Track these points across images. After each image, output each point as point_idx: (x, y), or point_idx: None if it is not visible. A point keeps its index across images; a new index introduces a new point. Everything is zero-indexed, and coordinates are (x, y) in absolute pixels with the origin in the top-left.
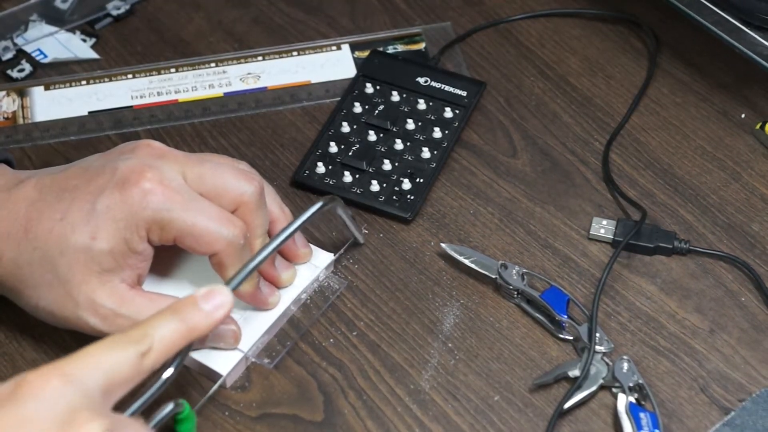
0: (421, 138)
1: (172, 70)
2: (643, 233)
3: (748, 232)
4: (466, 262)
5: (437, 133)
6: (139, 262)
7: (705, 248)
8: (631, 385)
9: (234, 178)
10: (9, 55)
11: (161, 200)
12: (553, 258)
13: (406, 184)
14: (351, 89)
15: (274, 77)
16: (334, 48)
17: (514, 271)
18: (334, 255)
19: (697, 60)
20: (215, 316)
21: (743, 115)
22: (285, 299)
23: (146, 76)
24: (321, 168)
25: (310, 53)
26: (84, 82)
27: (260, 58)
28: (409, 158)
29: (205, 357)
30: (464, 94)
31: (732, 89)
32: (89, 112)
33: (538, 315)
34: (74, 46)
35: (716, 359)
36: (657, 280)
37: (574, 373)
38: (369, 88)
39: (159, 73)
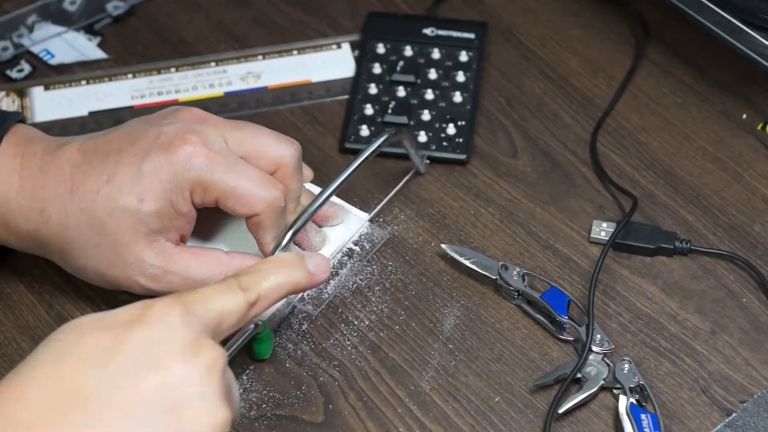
0: (447, 84)
1: (173, 69)
2: (643, 234)
3: (749, 233)
4: (467, 263)
5: (460, 76)
6: (183, 224)
7: (706, 248)
8: (632, 386)
9: (274, 141)
10: (8, 55)
11: (205, 162)
12: (553, 259)
13: (451, 129)
14: (363, 53)
15: (274, 76)
16: (334, 47)
17: (515, 272)
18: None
19: (699, 60)
20: (318, 278)
21: (744, 116)
22: (329, 249)
23: (146, 76)
24: (365, 131)
25: (310, 52)
26: (84, 82)
27: (260, 57)
28: (443, 105)
29: None
30: (472, 36)
31: (733, 90)
32: (89, 113)
33: (538, 316)
34: (81, 45)
35: (717, 360)
36: (658, 281)
37: (566, 371)
38: (380, 48)
39: (159, 73)
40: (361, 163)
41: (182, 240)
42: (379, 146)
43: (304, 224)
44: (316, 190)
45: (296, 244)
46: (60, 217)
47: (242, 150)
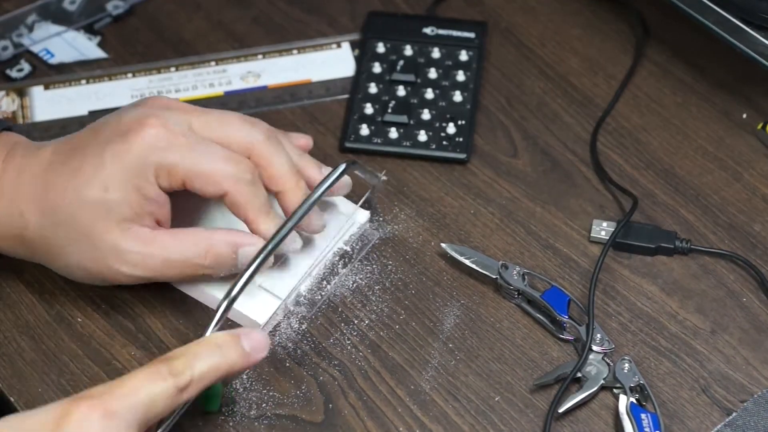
0: (446, 84)
1: (172, 69)
2: (644, 233)
3: (749, 233)
4: (467, 262)
5: (460, 76)
6: (156, 209)
7: (706, 247)
8: (632, 385)
9: (240, 124)
10: (8, 55)
11: (165, 144)
12: (553, 258)
13: (451, 128)
14: (363, 52)
15: (274, 76)
16: (334, 46)
17: (515, 272)
18: (369, 209)
19: (699, 60)
20: (254, 357)
21: (744, 116)
22: (321, 248)
23: (146, 75)
24: (365, 130)
25: (310, 52)
26: (84, 82)
27: (260, 56)
28: (443, 104)
29: (243, 305)
30: (472, 35)
31: (733, 89)
32: (89, 112)
33: (538, 315)
34: (81, 45)
35: (718, 360)
36: (658, 280)
37: (566, 371)
38: (380, 48)
39: (159, 73)
40: (314, 201)
41: (161, 225)
42: (332, 183)
43: (251, 276)
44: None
45: (297, 228)
46: (38, 219)
47: (209, 135)
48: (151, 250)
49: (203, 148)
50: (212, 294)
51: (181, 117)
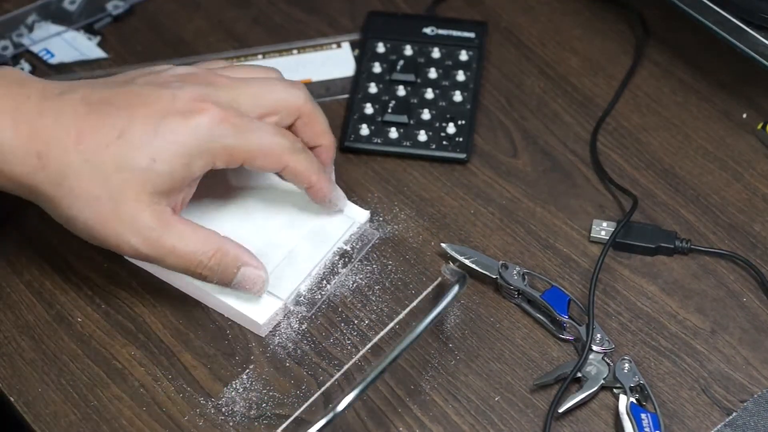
0: (446, 84)
1: None
2: (644, 233)
3: (749, 233)
4: (467, 262)
5: (460, 76)
6: (188, 191)
7: (706, 247)
8: (632, 385)
9: (283, 89)
10: (8, 55)
11: (226, 129)
12: (553, 258)
13: (451, 128)
14: (363, 52)
15: None
16: (334, 46)
17: (515, 272)
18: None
19: (699, 60)
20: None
21: (745, 115)
22: (323, 248)
23: None
24: (365, 130)
25: (310, 52)
26: None
27: (260, 56)
28: (443, 104)
29: (243, 305)
30: (472, 35)
31: (733, 89)
32: None
33: (538, 315)
34: (81, 45)
35: (718, 360)
36: (658, 280)
37: (566, 371)
38: (380, 48)
39: None
40: (428, 324)
41: (181, 207)
42: (447, 304)
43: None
44: None
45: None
46: (60, 165)
47: (258, 108)
48: (166, 233)
49: (256, 127)
50: (212, 294)
51: (230, 94)
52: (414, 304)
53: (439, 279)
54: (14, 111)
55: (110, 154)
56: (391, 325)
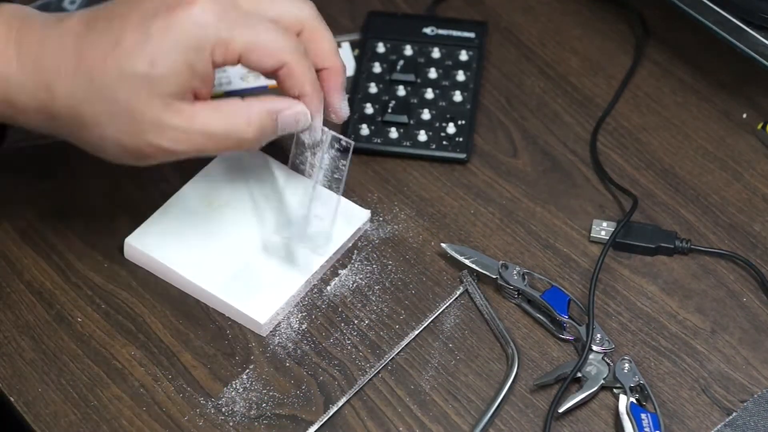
0: (446, 84)
1: None
2: (644, 233)
3: (749, 233)
4: (467, 262)
5: (460, 76)
6: (201, 85)
7: (706, 247)
8: (632, 385)
9: (290, 1)
10: None
11: (220, 18)
12: (553, 258)
13: (451, 128)
14: (363, 52)
15: None
16: None
17: (515, 272)
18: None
19: (699, 60)
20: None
21: (745, 115)
22: (323, 248)
23: None
24: (365, 130)
25: None
26: None
27: None
28: (443, 104)
29: (244, 305)
30: (472, 35)
31: (733, 89)
32: None
33: (538, 315)
34: None
35: (718, 360)
36: (658, 280)
37: (566, 371)
38: (380, 47)
39: None
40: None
41: (199, 98)
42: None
43: None
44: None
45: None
46: (68, 91)
47: (259, 13)
48: (193, 125)
49: (255, 22)
50: (213, 294)
51: None
52: (435, 315)
53: (461, 289)
54: (18, 45)
55: (109, 65)
56: (409, 339)
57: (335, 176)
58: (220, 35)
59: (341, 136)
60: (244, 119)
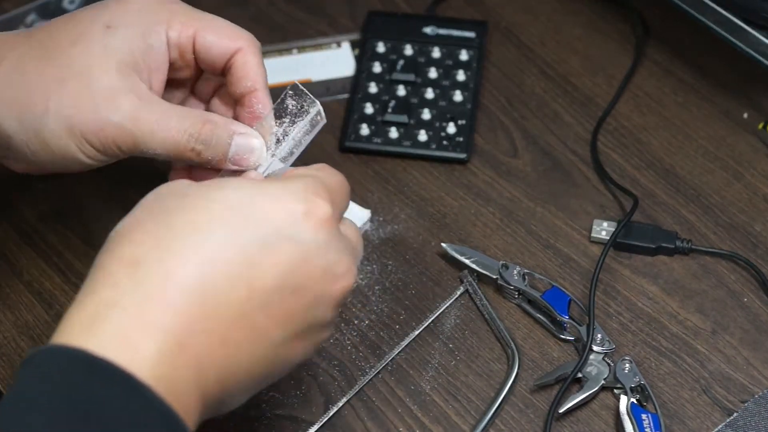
0: (447, 83)
1: None
2: (644, 233)
3: (750, 233)
4: (467, 262)
5: (460, 75)
6: (154, 66)
7: (707, 247)
8: (632, 385)
9: (229, 25)
10: None
11: (181, 3)
12: (554, 258)
13: (451, 128)
14: (363, 52)
15: (274, 76)
16: (334, 46)
17: (515, 272)
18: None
19: (699, 60)
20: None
21: (745, 115)
22: None
23: None
24: (365, 130)
25: (310, 51)
26: None
27: None
28: (443, 104)
29: None
30: (473, 35)
31: (734, 89)
32: None
33: (539, 315)
34: None
35: (718, 360)
36: (659, 280)
37: (567, 371)
38: (381, 47)
39: None
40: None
41: (157, 89)
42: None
43: None
44: None
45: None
46: (14, 59)
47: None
48: (147, 106)
49: (213, 15)
50: None
51: None
52: (435, 315)
53: (461, 289)
54: None
55: (62, 30)
56: (409, 339)
57: (294, 150)
58: (178, 8)
59: (320, 107)
60: (199, 120)
